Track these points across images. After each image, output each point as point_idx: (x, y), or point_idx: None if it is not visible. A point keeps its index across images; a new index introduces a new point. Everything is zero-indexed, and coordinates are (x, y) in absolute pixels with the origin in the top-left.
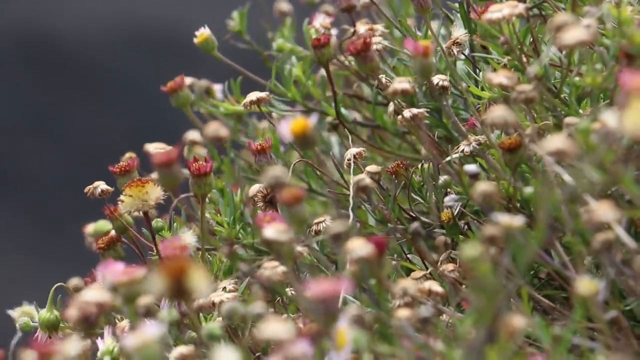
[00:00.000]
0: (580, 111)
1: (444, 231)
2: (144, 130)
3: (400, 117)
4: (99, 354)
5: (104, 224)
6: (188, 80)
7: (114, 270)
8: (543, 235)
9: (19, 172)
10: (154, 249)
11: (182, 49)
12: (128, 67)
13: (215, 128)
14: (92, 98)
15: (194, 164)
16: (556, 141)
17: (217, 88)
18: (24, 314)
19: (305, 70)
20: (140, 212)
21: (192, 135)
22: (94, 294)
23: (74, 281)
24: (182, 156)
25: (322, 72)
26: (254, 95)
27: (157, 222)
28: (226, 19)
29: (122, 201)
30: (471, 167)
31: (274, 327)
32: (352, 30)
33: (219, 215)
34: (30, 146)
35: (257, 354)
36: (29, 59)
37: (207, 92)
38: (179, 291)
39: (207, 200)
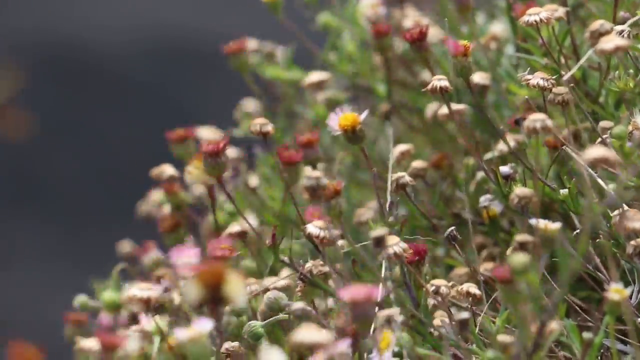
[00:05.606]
0: (619, 114)
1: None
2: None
3: (441, 113)
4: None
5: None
6: (251, 44)
7: (186, 257)
8: (586, 246)
9: (45, 180)
10: (215, 222)
11: (205, 58)
12: (152, 77)
13: (260, 123)
14: (116, 107)
15: (284, 152)
16: (596, 149)
17: (280, 52)
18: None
19: (358, 48)
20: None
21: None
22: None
23: (126, 247)
24: (228, 147)
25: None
26: (315, 77)
27: (227, 208)
28: (248, 27)
29: (190, 172)
30: (505, 169)
31: (310, 333)
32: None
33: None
34: (57, 155)
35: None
36: (55, 69)
37: (269, 56)
38: (214, 299)
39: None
